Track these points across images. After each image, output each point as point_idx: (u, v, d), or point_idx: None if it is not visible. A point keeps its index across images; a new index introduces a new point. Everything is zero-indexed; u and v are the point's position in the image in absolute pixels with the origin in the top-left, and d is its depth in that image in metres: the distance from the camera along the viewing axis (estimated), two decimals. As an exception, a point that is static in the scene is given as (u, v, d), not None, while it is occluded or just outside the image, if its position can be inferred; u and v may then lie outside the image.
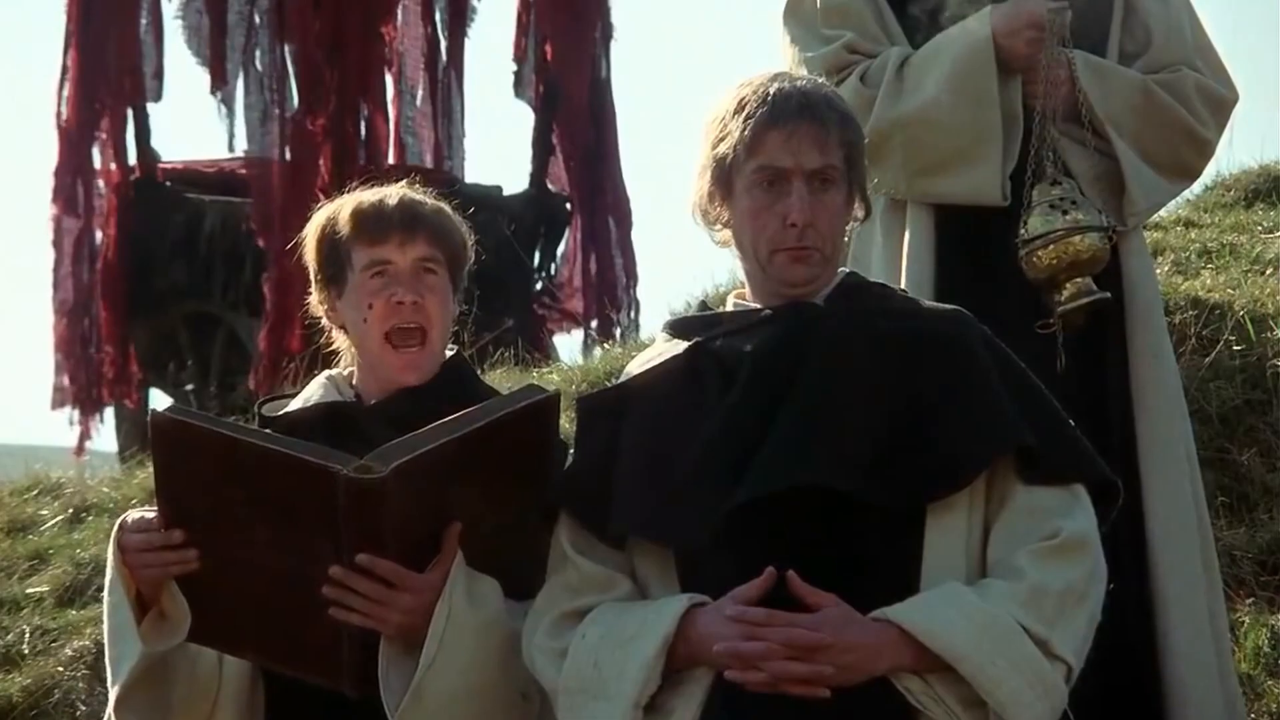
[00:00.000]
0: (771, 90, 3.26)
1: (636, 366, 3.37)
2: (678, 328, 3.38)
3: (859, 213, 3.33)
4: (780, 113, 3.24)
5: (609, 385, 3.54)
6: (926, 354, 3.20)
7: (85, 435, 12.00)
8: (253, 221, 11.67)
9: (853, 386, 3.17)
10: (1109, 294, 4.16)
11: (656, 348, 3.38)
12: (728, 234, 3.34)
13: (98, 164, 12.16)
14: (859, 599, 3.07)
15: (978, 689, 3.04)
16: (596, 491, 3.23)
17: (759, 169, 3.24)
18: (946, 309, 3.34)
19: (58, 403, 12.08)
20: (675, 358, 3.29)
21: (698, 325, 3.36)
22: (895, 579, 3.11)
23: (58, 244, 12.17)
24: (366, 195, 3.55)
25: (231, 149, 12.32)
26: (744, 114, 3.26)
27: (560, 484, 3.32)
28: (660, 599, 3.18)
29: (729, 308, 3.37)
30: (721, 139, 3.27)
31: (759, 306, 3.31)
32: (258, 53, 11.88)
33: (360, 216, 3.51)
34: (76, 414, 12.03)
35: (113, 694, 3.41)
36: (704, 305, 3.52)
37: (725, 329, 3.29)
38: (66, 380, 12.06)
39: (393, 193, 3.54)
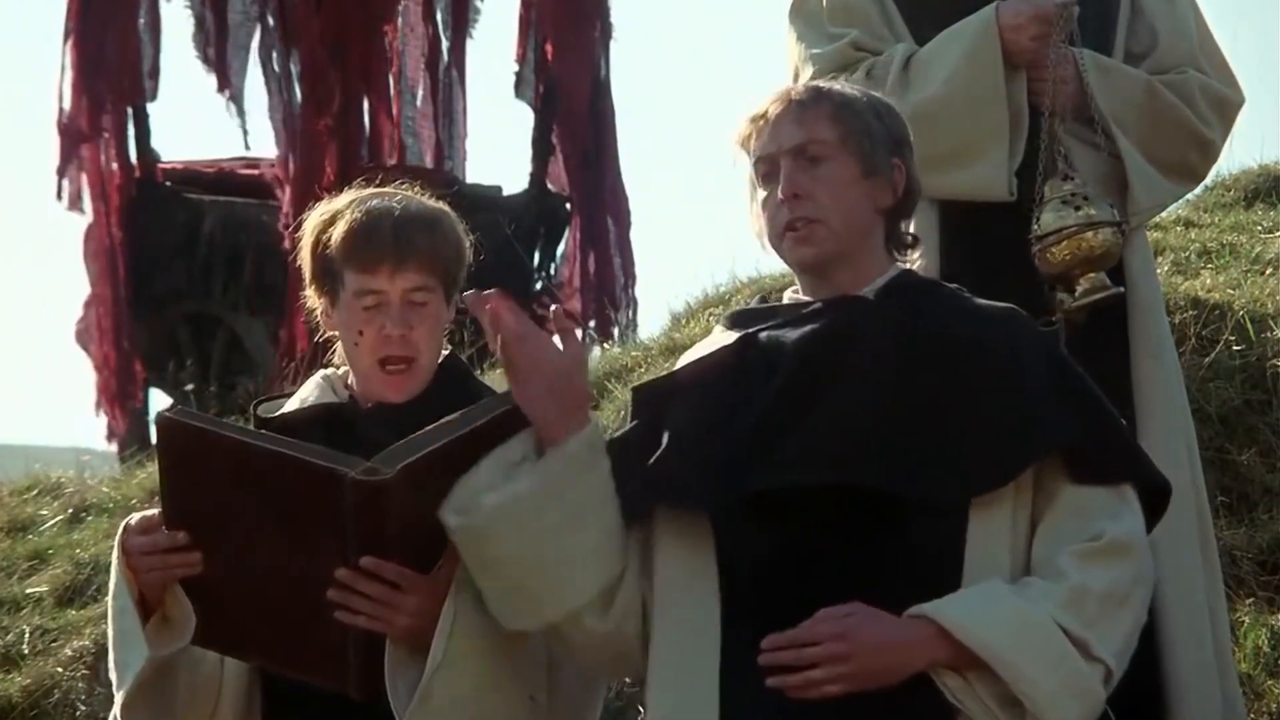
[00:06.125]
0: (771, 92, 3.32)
1: (690, 357, 3.38)
2: (735, 320, 3.38)
3: (886, 196, 3.31)
4: (759, 106, 3.31)
5: (662, 373, 3.56)
6: (974, 352, 3.20)
7: (114, 430, 11.99)
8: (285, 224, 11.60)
9: (898, 382, 3.16)
10: (1122, 289, 4.17)
11: (713, 338, 3.39)
12: None
13: (100, 163, 12.14)
14: (901, 592, 3.08)
15: (1013, 688, 3.04)
16: (625, 474, 3.22)
17: (755, 163, 3.30)
18: (1000, 307, 3.32)
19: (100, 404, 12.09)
20: (724, 348, 3.30)
21: (753, 317, 3.36)
22: (938, 573, 3.11)
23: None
24: (360, 211, 3.48)
25: (248, 147, 12.32)
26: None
27: None
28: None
29: (785, 301, 3.38)
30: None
31: (810, 300, 3.31)
32: (274, 54, 11.87)
33: (352, 241, 3.46)
34: (104, 410, 12.04)
35: (119, 699, 3.40)
36: (763, 299, 3.53)
37: (776, 321, 3.30)
38: (97, 378, 12.07)
39: (386, 211, 3.48)
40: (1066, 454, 3.16)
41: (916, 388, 3.16)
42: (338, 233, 3.48)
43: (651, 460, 3.21)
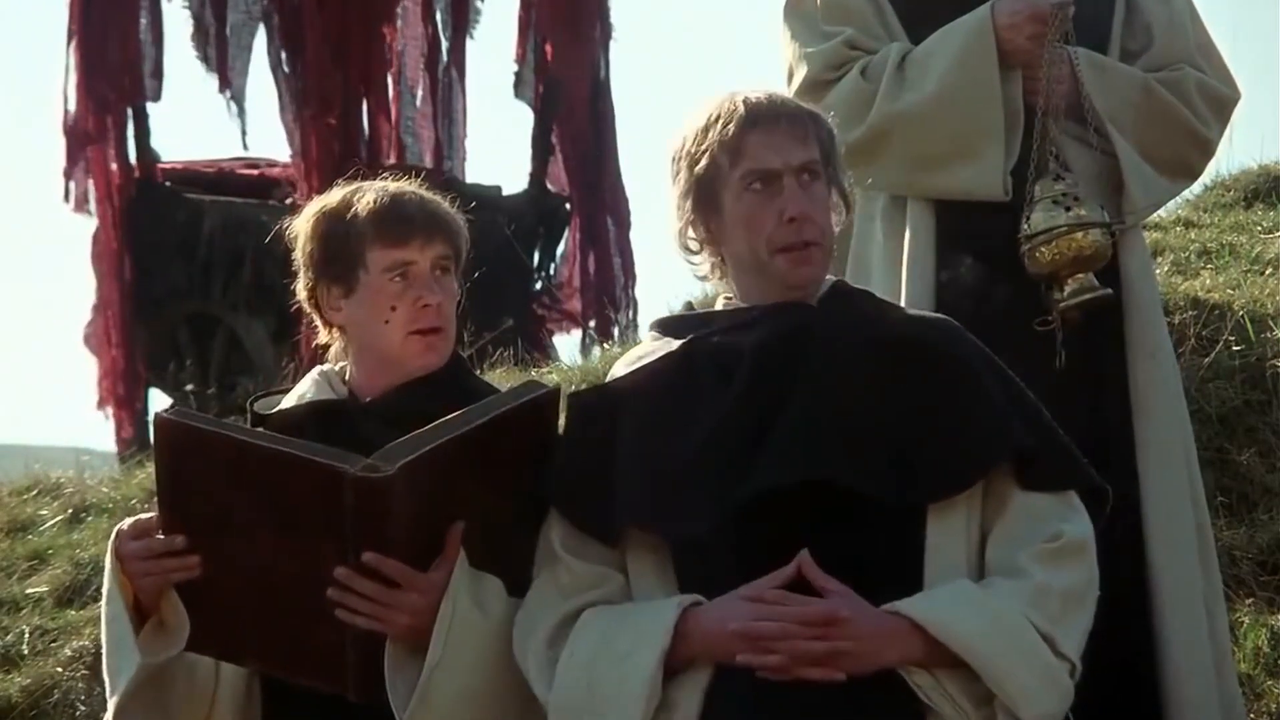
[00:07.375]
0: (739, 99, 3.29)
1: (624, 365, 3.37)
2: (668, 326, 3.39)
3: (841, 210, 3.34)
4: (756, 116, 3.27)
5: (599, 383, 3.55)
6: (924, 357, 3.22)
7: (121, 433, 11.99)
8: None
9: (856, 385, 3.18)
10: (1110, 290, 4.17)
11: (645, 346, 3.38)
12: (709, 264, 3.35)
13: (102, 164, 12.15)
14: (863, 597, 3.08)
15: (987, 681, 3.06)
16: (588, 489, 3.23)
17: (746, 173, 3.26)
18: (934, 317, 3.38)
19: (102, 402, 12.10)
20: (670, 354, 3.29)
21: (689, 324, 3.37)
22: (899, 578, 3.12)
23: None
24: (378, 193, 3.51)
25: (246, 148, 12.33)
26: (719, 125, 3.27)
27: (551, 482, 3.31)
28: (649, 603, 3.17)
29: (719, 309, 3.38)
30: (698, 159, 3.28)
31: (748, 306, 3.31)
32: (283, 54, 11.88)
33: (381, 218, 3.48)
34: (111, 410, 12.04)
35: (111, 704, 3.39)
36: (690, 307, 3.53)
37: (719, 327, 3.30)
38: (102, 379, 12.07)
39: (406, 189, 3.53)
40: (1016, 462, 3.19)
41: (874, 391, 3.18)
42: (362, 216, 3.48)
43: (617, 483, 3.20)
